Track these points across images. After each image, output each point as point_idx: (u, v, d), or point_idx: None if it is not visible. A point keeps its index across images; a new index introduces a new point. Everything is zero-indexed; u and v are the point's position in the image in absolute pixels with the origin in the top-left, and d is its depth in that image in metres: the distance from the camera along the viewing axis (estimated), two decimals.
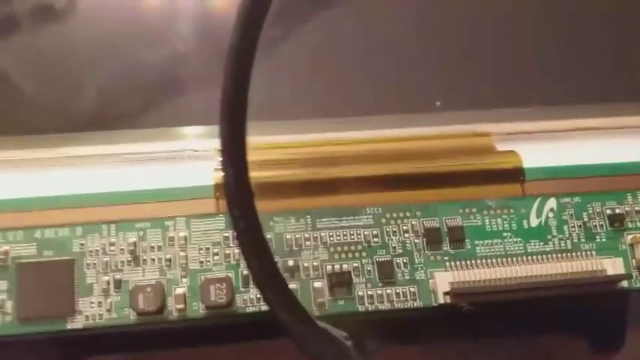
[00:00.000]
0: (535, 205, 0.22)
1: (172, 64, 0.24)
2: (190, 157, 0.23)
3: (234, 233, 0.16)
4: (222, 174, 0.17)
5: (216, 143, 0.21)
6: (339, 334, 0.17)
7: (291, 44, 0.23)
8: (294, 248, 0.21)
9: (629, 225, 0.21)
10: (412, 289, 0.21)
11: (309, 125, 0.23)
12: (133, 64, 0.25)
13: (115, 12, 0.26)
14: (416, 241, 0.21)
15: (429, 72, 0.24)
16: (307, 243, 0.21)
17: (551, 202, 0.22)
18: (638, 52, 0.24)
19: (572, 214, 0.21)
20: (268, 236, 0.20)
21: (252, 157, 0.19)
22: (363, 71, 0.24)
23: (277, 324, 0.17)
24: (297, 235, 0.21)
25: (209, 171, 0.22)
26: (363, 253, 0.21)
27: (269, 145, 0.22)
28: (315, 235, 0.21)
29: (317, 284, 0.21)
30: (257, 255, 0.16)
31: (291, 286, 0.20)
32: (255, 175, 0.19)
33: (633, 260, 0.21)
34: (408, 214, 0.21)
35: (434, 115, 0.23)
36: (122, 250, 0.21)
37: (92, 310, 0.20)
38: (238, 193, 0.16)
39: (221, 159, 0.16)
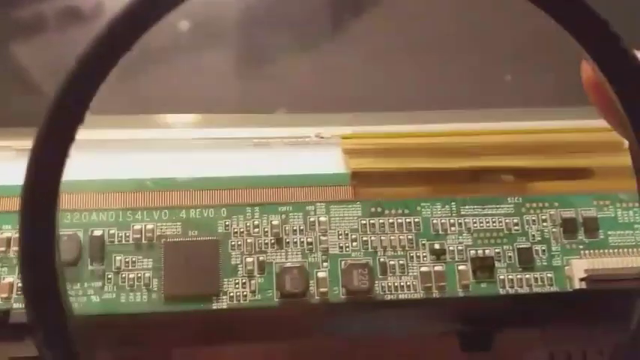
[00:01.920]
0: None
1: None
2: (317, 143, 0.24)
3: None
4: None
5: (340, 130, 0.23)
6: None
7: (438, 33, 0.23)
8: (440, 232, 0.22)
9: None
10: (549, 275, 0.22)
11: (456, 115, 0.24)
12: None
13: None
14: (553, 230, 0.22)
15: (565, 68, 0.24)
16: (452, 228, 0.22)
17: None
18: None
19: None
20: (416, 220, 0.22)
21: (407, 142, 0.23)
22: (507, 64, 0.26)
23: None
24: (442, 220, 0.22)
25: (340, 158, 0.23)
26: (504, 240, 0.22)
27: (420, 133, 0.23)
28: (460, 221, 0.22)
29: (462, 267, 0.22)
30: None
31: (437, 268, 0.22)
32: (405, 162, 0.22)
33: None
34: (546, 204, 0.22)
35: (569, 109, 0.24)
36: (266, 232, 0.21)
37: (237, 291, 0.21)
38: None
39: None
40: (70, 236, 0.21)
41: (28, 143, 0.20)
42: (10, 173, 0.21)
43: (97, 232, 0.21)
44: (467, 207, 0.22)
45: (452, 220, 0.22)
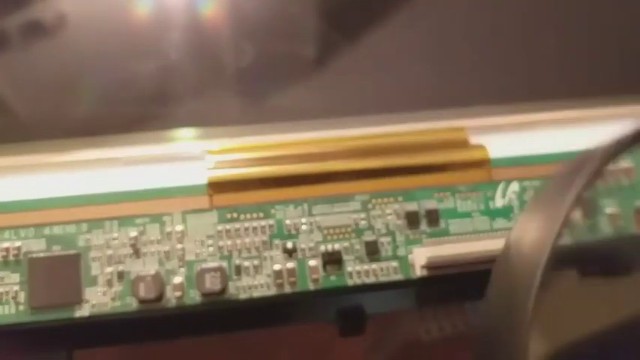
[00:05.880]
0: (500, 188, 0.24)
1: (162, 73, 0.25)
2: (183, 158, 0.25)
3: None
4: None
5: (204, 145, 0.25)
6: None
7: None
8: (293, 232, 0.23)
9: None
10: (394, 265, 0.23)
11: (306, 125, 0.26)
12: (123, 75, 0.25)
13: (105, 25, 0.27)
14: (398, 222, 0.24)
15: (414, 75, 0.27)
16: (304, 227, 0.23)
17: (514, 186, 0.24)
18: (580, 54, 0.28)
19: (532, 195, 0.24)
20: (270, 222, 0.23)
21: (258, 153, 0.24)
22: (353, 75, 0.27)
23: None
24: (295, 221, 0.23)
25: (201, 170, 0.24)
26: (353, 235, 0.23)
27: (273, 143, 0.25)
28: (311, 220, 0.23)
29: (312, 263, 0.23)
30: None
31: (289, 264, 0.23)
32: (259, 169, 0.24)
33: None
34: (391, 199, 0.24)
35: (418, 113, 0.26)
36: (124, 243, 0.23)
37: (97, 299, 0.22)
38: None
39: None
40: None
41: None
42: None
43: None
44: (317, 206, 0.24)
45: (304, 220, 0.24)
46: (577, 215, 0.23)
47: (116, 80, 0.26)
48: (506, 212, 0.24)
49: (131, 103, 0.26)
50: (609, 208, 0.24)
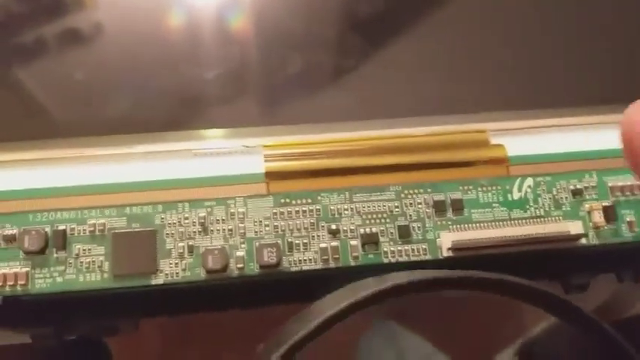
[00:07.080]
0: (517, 183, 0.28)
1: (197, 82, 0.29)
2: (243, 152, 0.29)
3: None
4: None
5: (262, 141, 0.28)
6: None
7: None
8: (336, 216, 0.27)
9: (587, 197, 0.28)
10: (424, 246, 0.27)
11: (349, 125, 0.29)
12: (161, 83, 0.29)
13: (142, 35, 0.30)
14: (427, 210, 0.27)
15: (443, 84, 0.31)
16: (346, 212, 0.27)
17: (529, 181, 0.28)
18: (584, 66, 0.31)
19: (544, 189, 0.28)
20: (317, 207, 0.27)
21: (307, 149, 0.28)
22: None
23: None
24: (338, 206, 0.27)
25: (260, 162, 0.28)
26: (387, 220, 0.27)
27: (320, 140, 0.29)
28: (352, 206, 0.27)
29: (353, 242, 0.26)
30: None
31: (333, 243, 0.26)
32: (309, 162, 0.28)
33: (590, 223, 0.27)
34: (421, 190, 0.27)
35: (446, 117, 0.29)
36: (194, 222, 0.26)
37: (171, 269, 0.26)
38: None
39: None
40: (37, 231, 0.26)
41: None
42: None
43: (61, 227, 0.26)
44: (357, 195, 0.27)
45: (345, 206, 0.27)
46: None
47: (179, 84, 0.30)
48: (522, 204, 0.27)
49: (191, 103, 0.30)
50: (629, 217, 0.27)
